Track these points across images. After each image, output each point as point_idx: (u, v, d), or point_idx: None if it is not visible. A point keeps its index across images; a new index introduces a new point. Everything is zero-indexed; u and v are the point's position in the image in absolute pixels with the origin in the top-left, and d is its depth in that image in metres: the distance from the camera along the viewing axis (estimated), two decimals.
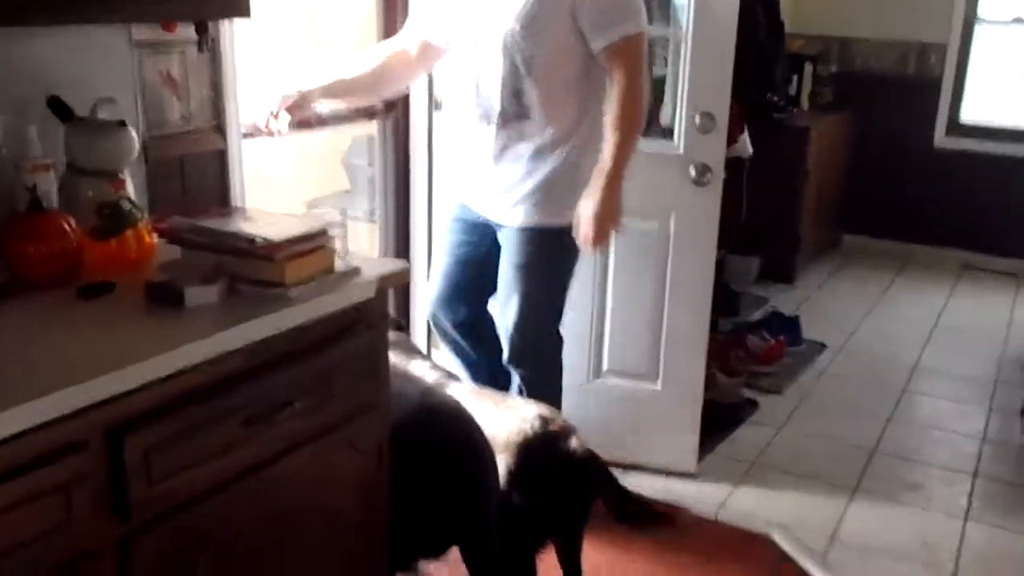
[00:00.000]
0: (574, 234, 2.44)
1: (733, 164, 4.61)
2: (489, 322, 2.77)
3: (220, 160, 2.24)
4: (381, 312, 1.75)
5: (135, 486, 1.33)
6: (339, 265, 1.68)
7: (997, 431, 3.54)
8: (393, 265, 1.75)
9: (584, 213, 2.41)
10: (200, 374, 1.42)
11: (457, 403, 2.05)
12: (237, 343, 1.45)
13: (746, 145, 4.52)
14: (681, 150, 2.88)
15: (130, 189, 1.81)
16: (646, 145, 2.91)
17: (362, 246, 3.24)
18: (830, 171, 5.48)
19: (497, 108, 2.41)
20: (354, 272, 1.68)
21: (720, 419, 3.45)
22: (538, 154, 2.47)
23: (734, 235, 4.94)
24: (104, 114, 1.84)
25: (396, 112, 3.06)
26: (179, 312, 1.48)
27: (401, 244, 3.13)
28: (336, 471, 1.70)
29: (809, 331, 4.34)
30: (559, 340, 2.74)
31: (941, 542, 2.78)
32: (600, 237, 2.43)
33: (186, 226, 1.61)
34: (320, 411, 1.62)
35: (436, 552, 2.12)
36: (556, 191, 2.49)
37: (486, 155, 2.50)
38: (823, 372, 4.05)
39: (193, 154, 2.17)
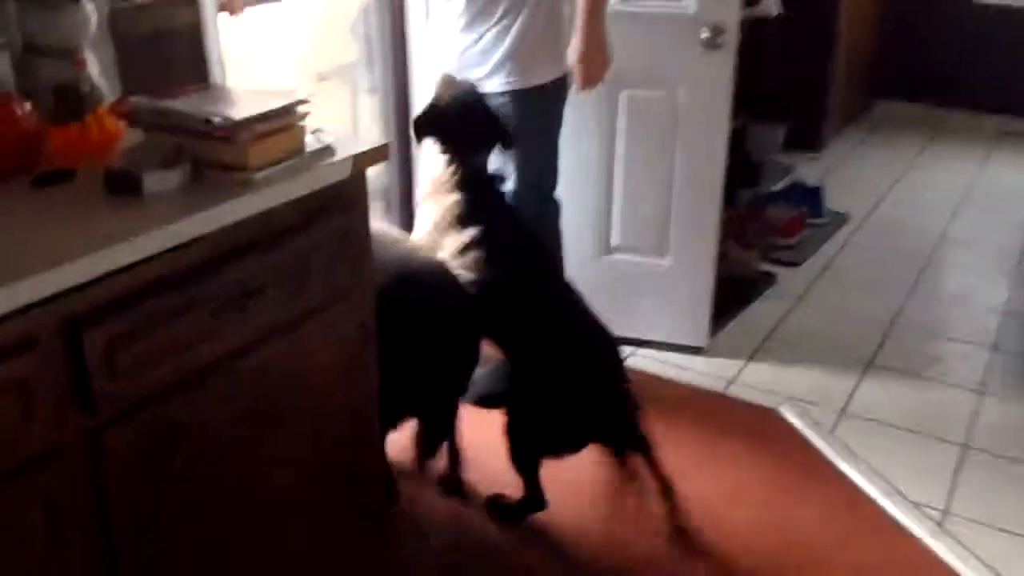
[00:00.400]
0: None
1: (757, 25, 4.40)
2: None
3: (195, 35, 2.12)
4: (358, 192, 1.67)
5: (98, 380, 1.29)
6: (310, 144, 1.59)
7: (1020, 303, 3.45)
8: (370, 142, 1.66)
9: (570, 59, 2.51)
10: (163, 264, 1.36)
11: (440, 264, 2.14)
12: (198, 231, 1.39)
13: (770, 3, 4.28)
14: (692, 9, 2.70)
15: (93, 69, 1.72)
16: (651, 4, 2.76)
17: (366, 120, 3.14)
18: (861, 32, 5.21)
19: None
20: (326, 151, 1.60)
21: (734, 294, 3.39)
22: (506, 14, 2.42)
23: (758, 101, 4.76)
24: None
25: None
26: (138, 200, 1.41)
27: (401, 117, 3.01)
28: (318, 357, 1.67)
29: (833, 202, 4.21)
30: (557, 205, 2.70)
31: (953, 416, 2.74)
32: (590, 79, 2.54)
33: (145, 107, 1.53)
34: (296, 297, 1.57)
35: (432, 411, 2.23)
36: (528, 50, 2.47)
37: (457, 22, 2.46)
38: (845, 244, 3.94)
39: (166, 28, 2.06)
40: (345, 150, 1.62)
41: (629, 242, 3.01)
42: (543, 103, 2.54)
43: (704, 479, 2.43)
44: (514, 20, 2.42)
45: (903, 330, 3.23)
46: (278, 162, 1.51)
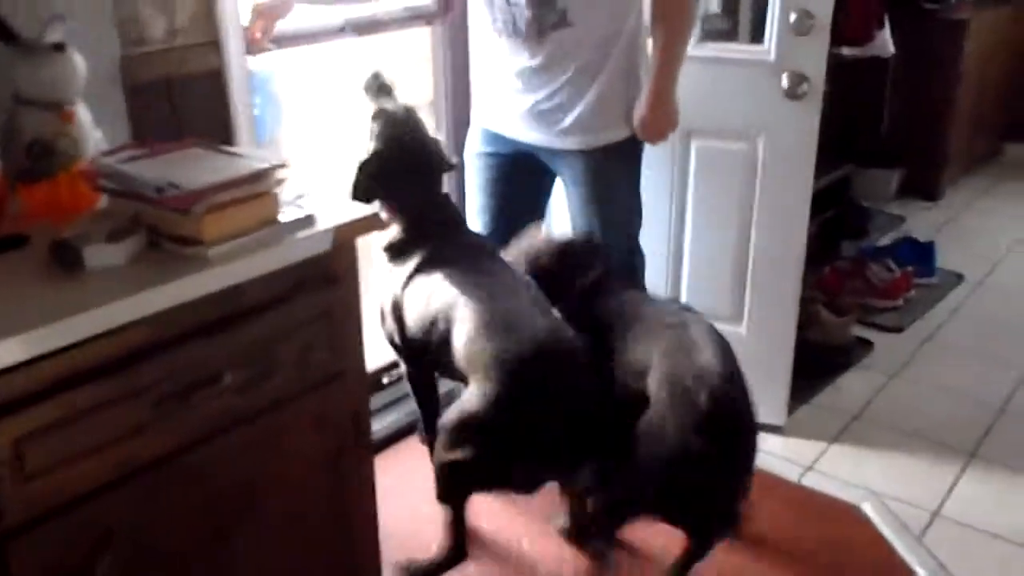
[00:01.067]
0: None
1: (872, 64, 4.05)
2: None
3: (217, 82, 2.00)
4: (345, 265, 1.49)
5: (5, 482, 1.14)
6: (288, 213, 1.42)
7: None
8: (359, 210, 1.48)
9: (636, 120, 2.25)
10: (96, 348, 1.21)
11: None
12: (137, 313, 1.23)
13: (886, 43, 3.95)
14: (772, 56, 2.43)
15: (84, 122, 1.60)
16: (728, 51, 2.51)
17: None
18: (990, 70, 4.76)
19: (527, 15, 2.07)
20: (305, 221, 1.42)
21: (823, 363, 3.06)
22: (586, 66, 2.14)
23: (872, 145, 4.40)
24: (56, 35, 1.61)
25: (453, 14, 2.72)
26: (80, 274, 1.27)
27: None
28: (292, 452, 1.49)
29: (947, 260, 3.81)
30: (643, 256, 2.50)
31: None
32: (654, 137, 2.28)
33: (107, 169, 1.39)
34: (260, 385, 1.40)
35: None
36: (614, 101, 2.23)
37: (521, 74, 2.20)
38: (955, 310, 3.53)
39: (182, 75, 1.94)
40: (328, 220, 1.44)
41: (700, 306, 2.72)
42: (625, 156, 2.32)
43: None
44: (595, 73, 2.19)
45: (1015, 418, 2.83)
46: (243, 234, 1.35)
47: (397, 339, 2.13)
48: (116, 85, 1.80)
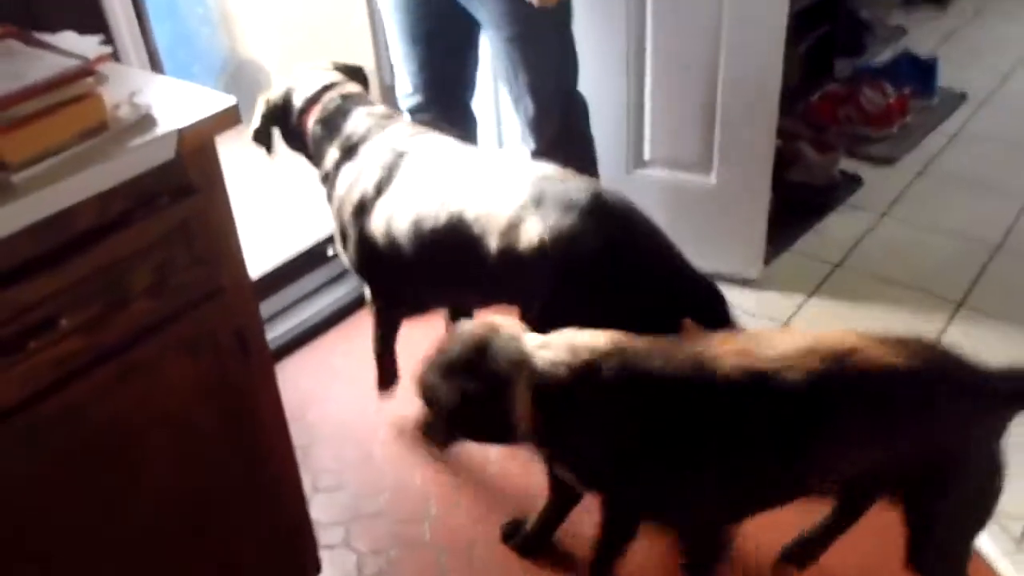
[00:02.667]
0: None
1: None
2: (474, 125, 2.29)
3: None
4: (205, 170, 1.27)
5: None
6: (123, 115, 1.20)
7: None
8: (211, 105, 1.24)
9: None
10: None
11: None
12: None
13: None
14: None
15: None
16: None
17: None
18: None
19: None
20: (143, 124, 1.20)
21: (803, 204, 2.84)
22: None
23: None
24: None
25: None
26: None
27: None
28: (169, 384, 1.32)
29: (950, 76, 3.49)
30: (583, 103, 2.24)
31: None
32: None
33: None
34: (111, 320, 1.22)
35: None
36: None
37: None
38: (956, 134, 3.26)
39: None
40: (170, 121, 1.21)
41: (665, 154, 2.49)
42: None
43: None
44: None
45: (1010, 257, 2.62)
46: (61, 149, 1.13)
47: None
48: None
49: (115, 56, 1.77)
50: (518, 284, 1.63)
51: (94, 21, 1.74)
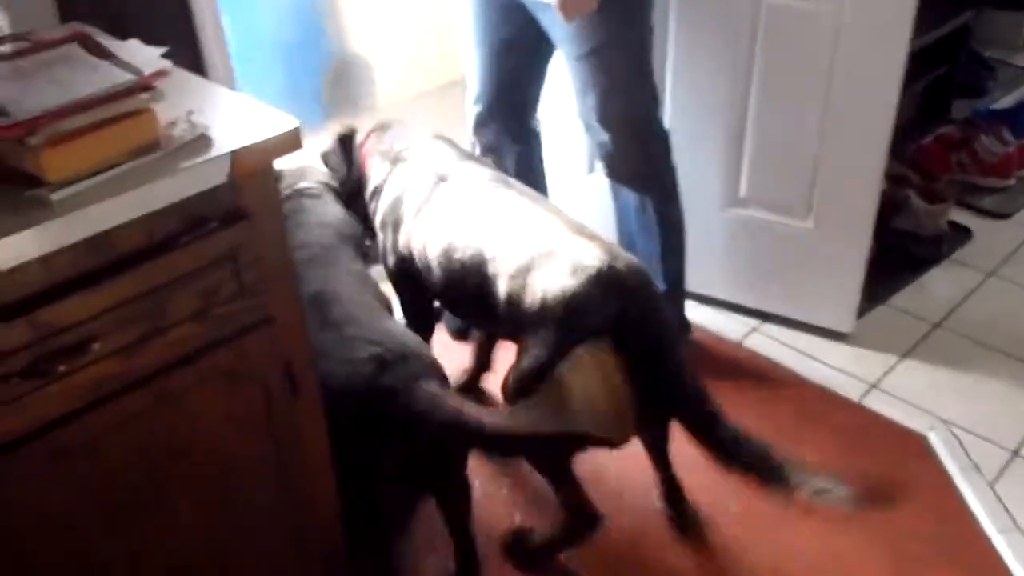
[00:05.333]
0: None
1: None
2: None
3: None
4: (259, 195, 1.20)
5: None
6: (178, 133, 1.13)
7: None
8: (272, 127, 1.17)
9: None
10: None
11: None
12: None
13: None
14: None
15: None
16: None
17: None
18: None
19: None
20: (198, 145, 1.13)
21: (908, 254, 2.66)
22: None
23: None
24: None
25: None
26: None
27: None
28: (201, 415, 1.26)
29: None
30: (666, 137, 2.11)
31: None
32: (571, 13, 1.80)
33: None
34: (148, 345, 1.16)
35: None
36: None
37: None
38: None
39: None
40: (227, 142, 1.14)
41: (762, 194, 2.35)
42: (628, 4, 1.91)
43: (799, 525, 1.86)
44: None
45: None
46: (106, 168, 1.07)
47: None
48: None
49: (199, 64, 1.74)
50: (522, 327, 1.61)
51: (183, 27, 1.72)
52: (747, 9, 2.13)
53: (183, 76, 1.33)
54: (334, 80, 3.47)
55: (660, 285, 2.17)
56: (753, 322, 2.46)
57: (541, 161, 2.33)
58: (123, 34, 1.32)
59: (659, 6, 2.18)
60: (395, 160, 1.90)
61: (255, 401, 1.31)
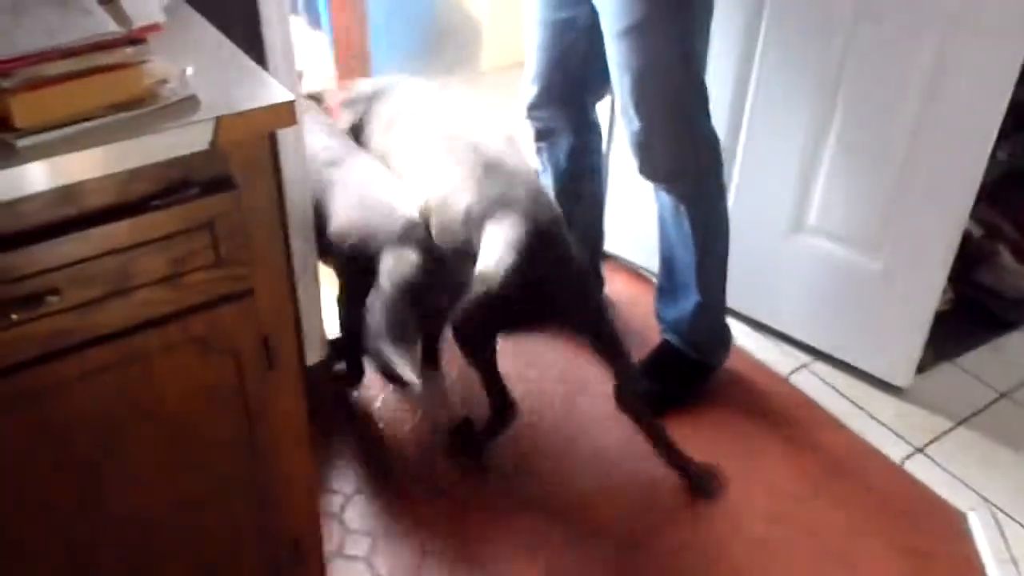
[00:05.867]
0: None
1: None
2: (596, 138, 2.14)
3: None
4: (249, 166, 1.14)
5: None
6: (166, 92, 1.08)
7: None
8: (264, 95, 1.11)
9: None
10: None
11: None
12: None
13: None
14: None
15: None
16: None
17: None
18: None
19: None
20: (184, 107, 1.08)
21: (986, 312, 2.46)
22: None
23: None
24: None
25: None
26: None
27: None
28: (167, 383, 1.22)
29: None
30: (712, 140, 1.95)
31: None
32: None
33: None
34: (107, 305, 1.12)
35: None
36: None
37: None
38: None
39: None
40: (213, 108, 1.09)
41: (831, 224, 2.19)
42: None
43: None
44: None
45: None
46: (78, 119, 1.02)
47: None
48: None
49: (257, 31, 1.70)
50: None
51: None
52: (839, 28, 1.97)
53: (200, 28, 1.28)
54: (437, 35, 3.41)
55: (694, 297, 2.06)
56: (804, 358, 2.32)
57: (600, 157, 2.22)
58: None
59: (749, 19, 2.05)
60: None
61: (226, 371, 1.25)
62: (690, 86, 1.86)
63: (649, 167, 1.93)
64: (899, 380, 2.22)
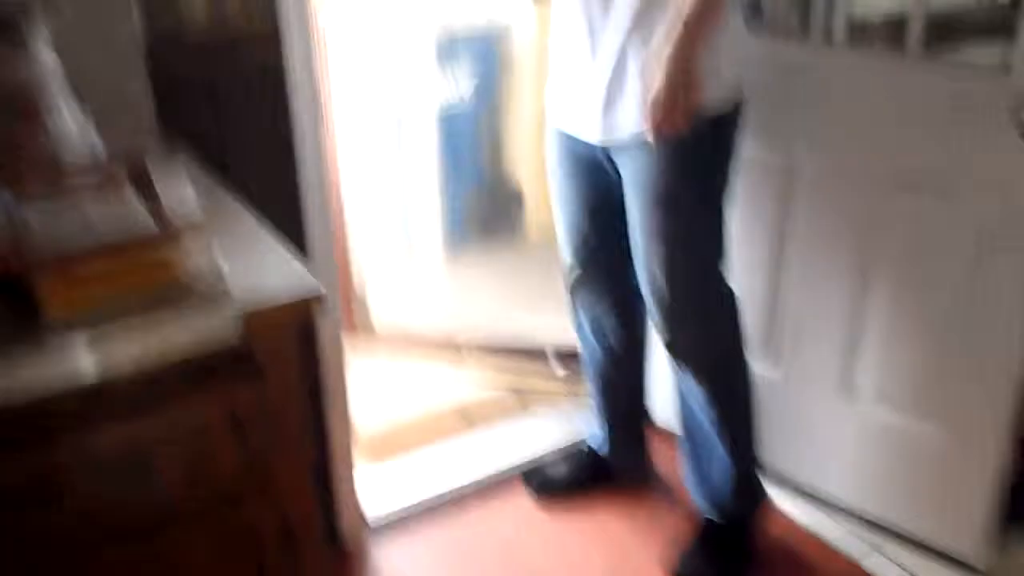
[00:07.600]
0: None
1: None
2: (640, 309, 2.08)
3: (275, 78, 1.72)
4: (275, 355, 1.15)
5: None
6: (195, 282, 1.11)
7: None
8: (297, 288, 1.13)
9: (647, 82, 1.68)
10: None
11: None
12: None
13: None
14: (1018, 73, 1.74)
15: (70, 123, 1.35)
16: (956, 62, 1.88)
17: None
18: None
19: None
20: (215, 299, 1.10)
21: None
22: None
23: None
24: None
25: None
26: None
27: None
28: (194, 564, 1.20)
29: None
30: (732, 297, 1.94)
31: None
32: (668, 116, 1.65)
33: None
34: (122, 506, 1.10)
35: None
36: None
37: (600, 62, 1.76)
38: None
39: (232, 69, 1.68)
40: (241, 303, 1.10)
41: (881, 387, 2.11)
42: (718, 134, 1.79)
43: None
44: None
45: None
46: (113, 312, 1.05)
47: None
48: (140, 77, 1.57)
49: (297, 203, 1.77)
50: None
51: (286, 158, 1.76)
52: (878, 191, 1.98)
53: (237, 216, 1.33)
54: (478, 202, 3.48)
55: (726, 457, 2.01)
56: (876, 538, 2.17)
57: (645, 325, 2.19)
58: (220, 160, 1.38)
59: (784, 177, 2.07)
60: None
61: (241, 566, 1.23)
62: (716, 242, 1.87)
63: (665, 315, 1.90)
64: (975, 559, 2.06)
